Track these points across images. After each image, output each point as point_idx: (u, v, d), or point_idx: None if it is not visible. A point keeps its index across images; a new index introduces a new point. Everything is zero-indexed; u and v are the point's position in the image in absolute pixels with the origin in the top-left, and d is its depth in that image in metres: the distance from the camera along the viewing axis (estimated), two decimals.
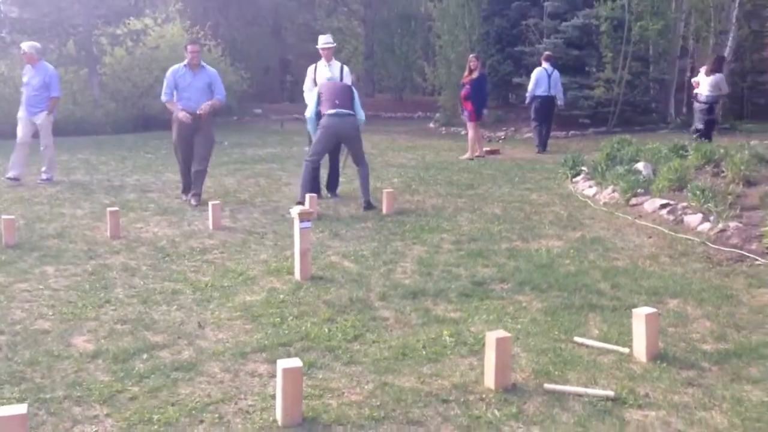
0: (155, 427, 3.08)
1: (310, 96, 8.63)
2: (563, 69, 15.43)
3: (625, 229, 6.90)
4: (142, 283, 5.20)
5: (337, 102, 7.94)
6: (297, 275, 5.30)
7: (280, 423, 3.12)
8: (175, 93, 8.31)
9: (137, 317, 4.46)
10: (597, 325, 4.34)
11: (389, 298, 4.86)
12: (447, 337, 4.13)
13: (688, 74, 20.87)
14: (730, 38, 18.76)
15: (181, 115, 8.12)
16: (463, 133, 13.35)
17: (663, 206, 7.25)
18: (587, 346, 4.00)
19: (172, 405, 3.29)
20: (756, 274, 5.33)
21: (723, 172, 7.81)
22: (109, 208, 6.76)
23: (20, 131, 9.70)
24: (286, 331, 4.22)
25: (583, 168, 9.90)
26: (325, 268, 5.61)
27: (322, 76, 8.66)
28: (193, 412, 3.23)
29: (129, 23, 19.42)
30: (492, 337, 3.45)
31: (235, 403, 3.32)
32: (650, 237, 6.56)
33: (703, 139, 11.55)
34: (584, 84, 17.29)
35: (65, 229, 6.87)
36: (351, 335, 4.17)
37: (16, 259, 5.80)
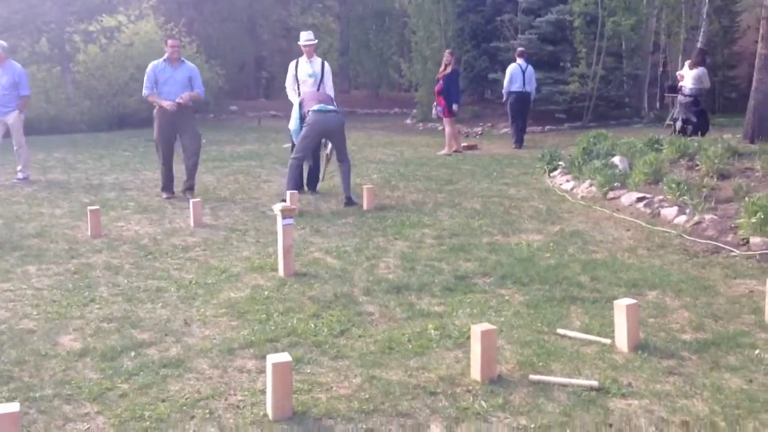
0: (147, 423, 3.10)
1: (292, 93, 8.69)
2: (538, 64, 15.58)
3: (603, 223, 7.00)
4: (125, 281, 5.19)
5: (320, 99, 8.04)
6: (281, 272, 5.33)
7: (270, 417, 3.15)
8: (155, 88, 8.36)
9: (123, 315, 4.46)
10: (579, 317, 4.42)
11: (373, 293, 4.90)
12: (432, 331, 4.18)
13: (660, 69, 21.18)
14: (701, 33, 19.06)
15: (166, 103, 8.19)
16: (440, 128, 13.45)
17: (639, 199, 7.37)
18: (570, 338, 4.07)
19: (163, 401, 3.30)
20: (731, 265, 5.45)
21: (697, 165, 7.96)
22: (89, 207, 6.72)
23: None
24: (273, 327, 4.24)
25: (560, 163, 10.02)
26: (308, 264, 5.64)
27: (303, 73, 8.70)
28: (184, 408, 3.25)
29: (102, 20, 19.18)
30: (477, 329, 3.51)
31: (225, 399, 3.35)
32: (628, 230, 6.67)
33: (697, 132, 11.75)
34: (559, 79, 17.47)
35: (45, 229, 6.83)
36: (337, 330, 4.21)
37: None
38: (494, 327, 3.56)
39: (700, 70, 12.47)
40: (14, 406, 2.74)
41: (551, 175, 9.78)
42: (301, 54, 8.98)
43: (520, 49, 14.58)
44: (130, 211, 7.71)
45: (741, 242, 5.79)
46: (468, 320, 4.31)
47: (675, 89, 17.48)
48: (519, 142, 14.04)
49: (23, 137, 9.80)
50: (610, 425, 3.09)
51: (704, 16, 18.94)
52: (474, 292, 4.93)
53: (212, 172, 10.59)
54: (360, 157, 12.24)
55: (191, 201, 7.09)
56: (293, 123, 8.33)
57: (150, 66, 8.46)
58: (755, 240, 5.67)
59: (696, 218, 6.42)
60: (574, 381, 3.49)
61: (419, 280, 5.18)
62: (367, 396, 3.36)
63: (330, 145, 8.57)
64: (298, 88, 8.69)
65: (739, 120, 12.39)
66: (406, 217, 7.33)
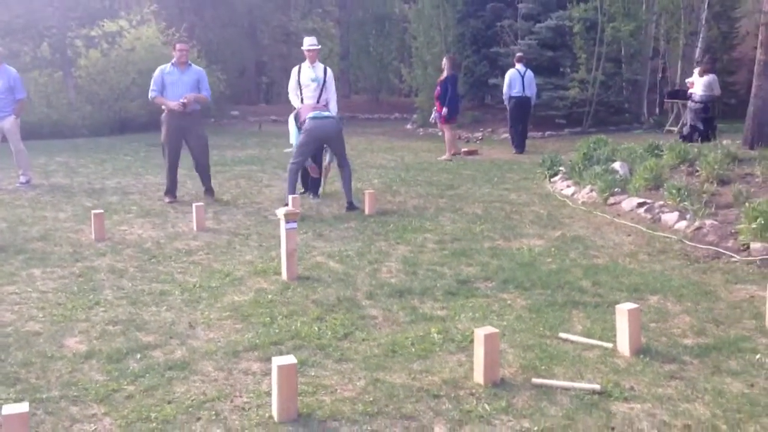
0: (153, 424, 3.13)
1: (295, 98, 8.76)
2: (538, 70, 15.61)
3: (604, 228, 7.04)
4: (130, 284, 5.23)
5: (315, 107, 8.15)
6: (284, 275, 5.36)
7: (276, 419, 3.18)
8: (163, 92, 8.51)
9: (128, 318, 4.49)
10: (580, 322, 4.45)
11: (376, 297, 4.93)
12: (435, 334, 4.21)
13: (660, 75, 21.23)
14: (700, 39, 19.12)
15: (172, 104, 8.31)
16: (440, 134, 13.48)
17: (640, 205, 7.40)
18: (572, 342, 4.10)
19: (169, 403, 3.33)
20: (732, 270, 5.49)
21: (697, 171, 8.00)
22: (93, 211, 6.75)
23: None
24: (277, 330, 4.27)
25: (560, 168, 10.05)
26: (311, 268, 5.67)
27: (306, 78, 8.74)
28: (190, 409, 3.28)
29: (104, 25, 19.24)
30: (480, 333, 3.54)
31: (231, 401, 3.38)
32: (629, 235, 6.70)
33: (701, 139, 11.83)
34: (559, 85, 17.50)
35: (49, 232, 6.86)
36: (341, 333, 4.24)
37: (1, 262, 5.78)
38: (497, 330, 3.59)
39: (710, 77, 12.58)
40: (23, 407, 2.78)
41: (552, 180, 9.81)
42: (301, 59, 9.03)
43: (518, 54, 14.61)
44: (133, 215, 7.74)
45: (741, 248, 5.83)
46: (470, 324, 4.34)
47: (675, 95, 17.60)
48: (520, 147, 14.06)
49: (20, 141, 9.78)
50: (613, 429, 3.12)
51: (703, 22, 19.01)
52: (476, 296, 4.97)
53: (214, 177, 10.53)
54: (361, 162, 12.27)
55: (194, 205, 7.12)
56: (294, 138, 8.38)
57: (158, 69, 8.60)
58: (755, 245, 5.71)
59: (696, 224, 6.46)
60: (576, 385, 3.52)
61: (422, 284, 5.21)
62: (371, 398, 3.39)
63: (328, 156, 8.64)
64: (301, 93, 8.74)
65: (738, 126, 12.44)
66: (407, 221, 7.37)
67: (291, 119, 8.44)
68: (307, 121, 7.89)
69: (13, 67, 10.08)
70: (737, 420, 3.19)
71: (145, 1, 23.05)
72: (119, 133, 17.93)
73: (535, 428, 3.11)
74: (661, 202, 7.30)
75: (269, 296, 4.93)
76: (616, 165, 9.08)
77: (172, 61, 8.60)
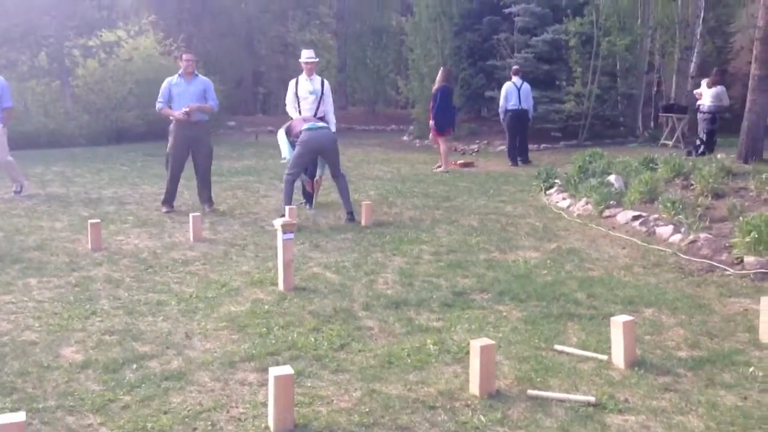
0: None
1: (293, 110, 8.79)
2: (534, 83, 15.68)
3: (599, 241, 7.07)
4: (126, 294, 5.23)
5: (308, 120, 8.22)
6: (280, 286, 5.37)
7: (272, 429, 3.19)
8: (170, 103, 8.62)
9: (124, 328, 4.50)
10: (576, 334, 4.47)
11: (372, 308, 4.95)
12: (431, 346, 4.23)
13: (655, 89, 21.32)
14: (695, 54, 19.21)
15: (177, 113, 8.40)
16: (435, 146, 13.53)
17: (635, 218, 7.44)
18: (567, 354, 4.12)
19: (165, 413, 3.34)
20: (726, 283, 5.52)
21: (692, 184, 8.05)
22: (90, 221, 6.76)
23: None
24: (273, 341, 4.29)
25: (556, 180, 10.09)
26: (307, 279, 5.68)
27: (304, 90, 8.78)
28: (186, 420, 3.28)
29: (102, 35, 19.28)
30: (476, 344, 3.56)
31: (227, 411, 3.39)
32: (624, 248, 6.73)
33: (704, 151, 11.91)
34: (555, 98, 17.58)
35: (45, 242, 6.86)
36: (337, 344, 4.25)
37: None
38: (493, 342, 3.61)
39: (719, 89, 12.71)
40: (20, 416, 2.78)
41: (547, 192, 9.85)
42: (298, 70, 9.08)
43: (515, 67, 14.68)
44: (130, 225, 7.75)
45: (735, 261, 5.86)
46: (466, 336, 4.36)
47: (670, 109, 17.69)
48: (516, 160, 14.09)
49: (8, 153, 9.54)
50: None
51: (698, 37, 19.11)
52: (472, 308, 4.98)
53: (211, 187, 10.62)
54: (357, 174, 12.30)
55: (191, 216, 7.13)
56: (286, 152, 8.39)
57: (165, 81, 8.68)
58: (749, 259, 5.74)
59: (691, 237, 6.49)
60: (571, 396, 3.53)
61: (417, 295, 5.23)
62: (367, 409, 3.40)
63: (319, 170, 8.66)
64: (299, 106, 8.78)
65: (733, 140, 12.51)
66: (404, 233, 7.39)
67: (281, 133, 8.46)
68: (302, 133, 7.93)
69: (11, 75, 10.06)
70: None
71: (144, 12, 23.15)
72: (116, 142, 17.94)
73: None
74: (656, 216, 7.34)
75: (266, 307, 4.95)
76: (612, 178, 9.12)
77: (179, 71, 8.68)
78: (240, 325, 4.57)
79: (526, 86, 14.13)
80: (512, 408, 3.43)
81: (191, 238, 7.01)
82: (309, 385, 3.68)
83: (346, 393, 3.59)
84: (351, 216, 8.00)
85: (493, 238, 7.21)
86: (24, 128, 16.56)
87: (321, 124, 8.17)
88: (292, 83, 8.97)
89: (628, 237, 7.06)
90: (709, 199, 7.53)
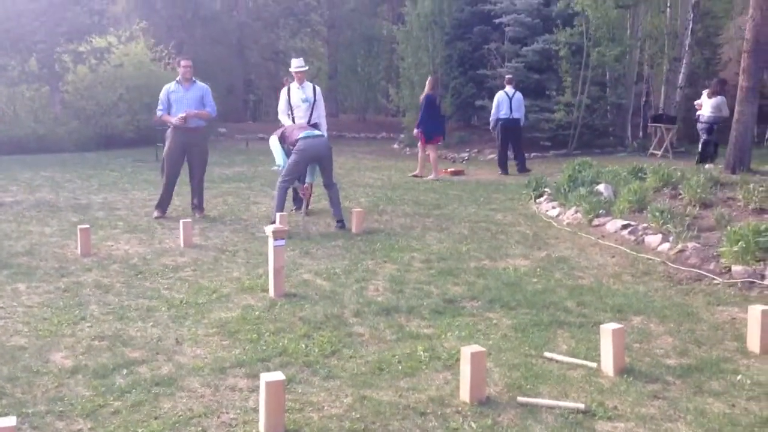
0: None
1: (285, 118, 8.85)
2: (524, 92, 15.73)
3: (589, 249, 7.11)
4: (116, 300, 5.22)
5: (303, 128, 8.23)
6: (271, 292, 5.37)
7: None
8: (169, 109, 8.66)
9: (114, 334, 4.49)
10: (565, 341, 4.49)
11: (363, 315, 4.96)
12: (421, 353, 4.24)
13: (644, 99, 21.46)
14: (684, 65, 19.37)
15: (174, 119, 8.44)
16: (426, 153, 13.60)
17: (624, 227, 7.48)
18: (557, 361, 4.14)
19: (155, 419, 3.34)
20: (714, 292, 5.56)
21: (680, 194, 8.11)
22: (79, 226, 6.73)
23: None
24: (264, 347, 4.29)
25: (546, 189, 10.14)
26: (298, 285, 5.68)
27: (296, 98, 8.86)
28: (177, 425, 3.28)
29: (92, 41, 19.26)
30: (467, 351, 3.57)
31: (218, 417, 3.38)
32: (613, 256, 6.77)
33: (703, 161, 12.02)
34: (545, 107, 17.67)
35: (34, 247, 6.83)
36: (328, 350, 4.26)
37: None
38: (484, 349, 3.63)
39: (719, 99, 12.83)
40: (11, 421, 2.77)
41: (537, 201, 9.90)
42: (290, 78, 9.13)
43: (508, 76, 14.75)
44: (120, 231, 7.73)
45: (723, 270, 5.90)
46: (457, 343, 4.37)
47: (658, 119, 17.82)
48: (506, 168, 14.14)
49: None
50: None
51: (686, 48, 19.26)
52: (462, 315, 5.00)
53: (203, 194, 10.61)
54: (348, 181, 12.32)
55: (181, 222, 7.12)
56: (280, 159, 8.38)
57: (164, 88, 8.72)
58: (737, 268, 5.79)
59: (679, 246, 6.54)
60: (561, 403, 3.55)
61: (408, 302, 5.24)
62: (358, 416, 3.41)
63: (308, 177, 8.67)
64: (292, 113, 8.85)
65: (720, 151, 12.64)
66: (394, 240, 7.40)
67: (274, 140, 8.47)
68: (299, 141, 7.94)
69: (0, 80, 10.04)
70: None
71: (134, 18, 23.12)
72: (105, 148, 17.89)
73: None
74: (645, 225, 7.39)
75: (256, 313, 4.95)
76: (601, 187, 9.18)
77: (177, 78, 8.73)
78: (230, 331, 4.56)
79: (518, 96, 14.18)
80: (502, 415, 3.45)
81: (182, 244, 7.00)
82: (300, 391, 3.68)
83: (337, 399, 3.59)
84: (341, 223, 8.01)
85: (483, 246, 7.23)
86: (13, 133, 16.52)
87: (317, 132, 8.21)
88: (284, 91, 9.05)
89: (617, 246, 7.10)
90: (698, 208, 7.58)
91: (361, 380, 3.82)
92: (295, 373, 3.90)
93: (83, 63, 18.83)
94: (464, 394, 3.60)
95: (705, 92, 13.60)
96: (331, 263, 6.43)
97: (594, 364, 4.05)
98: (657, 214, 7.32)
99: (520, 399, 3.60)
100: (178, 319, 4.81)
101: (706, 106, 13.16)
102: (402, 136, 21.27)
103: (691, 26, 19.18)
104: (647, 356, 4.24)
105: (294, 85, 8.97)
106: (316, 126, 8.69)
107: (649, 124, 19.04)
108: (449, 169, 14.30)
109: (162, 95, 8.66)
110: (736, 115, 9.84)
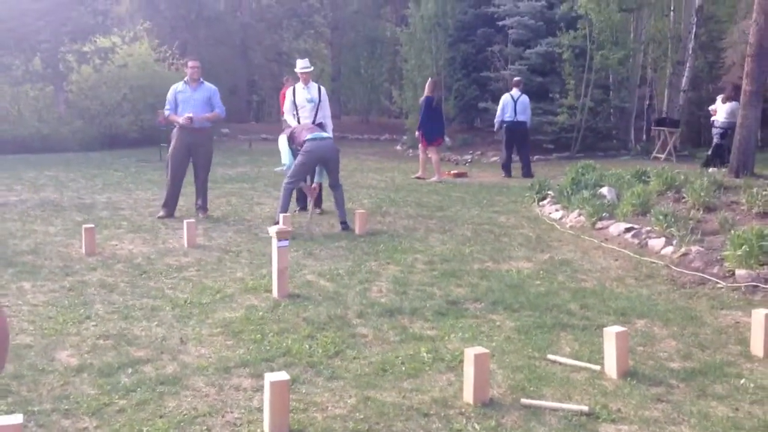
0: None
1: (291, 118, 8.88)
2: (527, 95, 15.74)
3: (592, 252, 7.11)
4: (121, 299, 5.23)
5: (311, 129, 8.24)
6: (275, 293, 5.38)
7: None
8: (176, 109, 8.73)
9: (119, 333, 4.50)
10: (569, 344, 4.50)
11: (366, 316, 4.97)
12: (425, 354, 4.25)
13: (647, 102, 21.47)
14: (687, 68, 19.39)
15: (182, 119, 8.49)
16: (429, 155, 13.62)
17: (628, 230, 7.48)
18: (560, 364, 4.15)
19: (160, 417, 3.35)
20: (718, 296, 5.56)
21: (684, 198, 8.11)
22: (84, 225, 6.76)
23: None
24: (268, 347, 4.30)
25: (549, 192, 10.15)
26: (301, 286, 5.70)
27: (301, 99, 8.92)
28: (182, 424, 3.29)
29: (96, 41, 19.31)
30: (470, 353, 3.58)
31: (222, 416, 3.39)
32: (616, 260, 6.78)
33: (713, 164, 12.04)
34: (548, 110, 17.68)
35: (39, 246, 6.85)
36: (331, 351, 4.27)
37: None
38: (487, 351, 3.64)
39: (733, 104, 12.85)
40: (17, 418, 2.78)
41: (540, 204, 9.90)
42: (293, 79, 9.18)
43: (516, 78, 14.70)
44: (124, 231, 7.75)
45: (727, 274, 5.90)
46: (460, 344, 4.38)
47: (662, 122, 17.82)
48: (509, 171, 14.13)
49: None
50: None
51: (690, 52, 19.29)
52: (465, 317, 5.01)
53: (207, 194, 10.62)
54: (351, 183, 12.33)
55: (185, 222, 7.14)
56: (287, 158, 8.41)
57: (171, 88, 8.80)
58: (740, 272, 5.79)
59: (683, 250, 6.54)
60: (564, 406, 3.56)
61: (411, 304, 5.25)
62: (361, 416, 3.42)
63: (315, 177, 8.68)
64: (297, 113, 8.88)
65: None
66: (397, 242, 7.41)
67: (283, 139, 8.50)
68: (306, 142, 7.95)
69: (4, 80, 10.07)
70: None
71: (138, 18, 23.17)
72: (109, 148, 17.93)
73: None
74: (648, 228, 7.39)
75: (260, 313, 4.96)
76: (604, 190, 9.18)
77: (185, 78, 8.78)
78: (234, 331, 4.58)
79: (523, 98, 14.13)
80: (506, 416, 3.46)
81: (185, 244, 7.02)
82: (304, 391, 3.70)
83: (341, 400, 3.60)
84: (345, 225, 8.03)
85: (486, 248, 7.24)
86: (17, 133, 16.57)
87: (325, 134, 8.25)
88: (289, 92, 9.09)
89: (620, 249, 7.11)
90: (701, 212, 7.59)
91: (364, 381, 3.83)
92: (298, 373, 3.91)
93: (87, 63, 18.89)
94: (468, 396, 3.61)
95: (719, 97, 13.62)
96: (334, 264, 6.44)
97: (597, 367, 4.05)
98: (660, 217, 7.32)
99: (524, 401, 3.61)
100: (183, 318, 4.83)
101: (721, 111, 13.21)
102: (405, 137, 21.28)
103: (694, 30, 19.20)
104: (651, 359, 4.24)
105: (300, 86, 9.02)
106: (321, 126, 8.72)
107: (652, 128, 19.04)
108: (452, 171, 14.31)
109: (169, 95, 8.71)
110: (740, 119, 9.85)
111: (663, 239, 6.95)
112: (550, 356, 4.25)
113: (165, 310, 4.99)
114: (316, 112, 8.89)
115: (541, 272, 6.27)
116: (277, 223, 7.58)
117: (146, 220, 8.36)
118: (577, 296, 5.52)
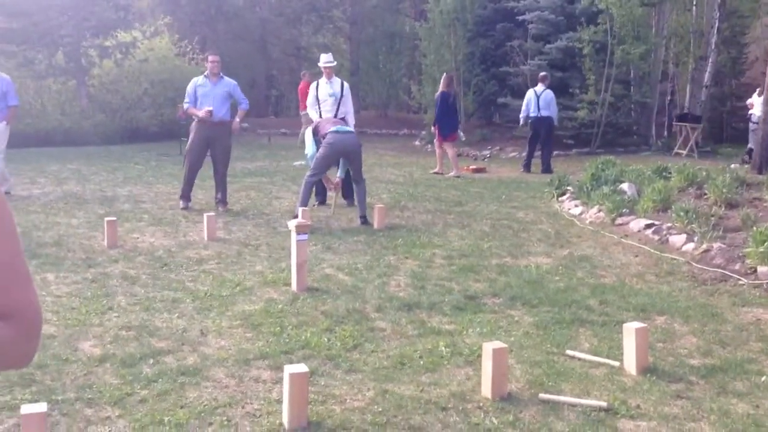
0: (167, 428, 3.19)
1: (313, 112, 8.99)
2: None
3: (612, 248, 7.08)
4: (142, 291, 5.29)
5: (335, 122, 8.31)
6: (293, 286, 5.42)
7: (286, 426, 3.23)
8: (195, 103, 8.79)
9: (141, 324, 4.56)
10: (587, 339, 4.49)
11: (385, 310, 4.98)
12: (443, 348, 4.26)
13: (669, 98, 21.29)
14: (710, 64, 19.18)
15: (201, 112, 8.54)
16: (445, 150, 13.59)
17: (648, 226, 7.44)
18: (579, 359, 4.14)
19: (181, 408, 3.39)
20: (739, 293, 5.52)
21: (705, 194, 8.05)
22: (106, 218, 6.84)
23: None
24: (287, 340, 4.33)
25: (568, 187, 10.10)
26: (320, 280, 5.72)
27: (324, 93, 9.05)
28: (202, 414, 3.33)
29: (118, 36, 19.47)
30: (489, 347, 3.59)
31: (242, 407, 3.43)
32: (636, 256, 6.74)
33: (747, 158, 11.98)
34: (568, 105, 17.56)
35: (62, 238, 6.94)
36: (350, 344, 4.29)
37: None
38: (505, 345, 3.64)
39: None
40: (41, 407, 2.83)
41: (560, 199, 9.86)
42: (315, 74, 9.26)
43: (541, 74, 14.57)
44: (145, 224, 7.82)
45: (748, 271, 5.86)
46: (478, 339, 4.38)
47: (683, 118, 17.67)
48: (528, 167, 14.07)
49: (2, 151, 9.31)
50: None
51: (713, 47, 19.07)
52: (484, 311, 5.01)
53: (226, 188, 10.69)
54: (370, 177, 12.29)
55: (205, 215, 7.19)
56: (309, 149, 8.45)
57: (191, 82, 8.86)
58: (762, 269, 5.74)
59: (704, 246, 6.49)
60: (583, 401, 3.56)
61: (430, 298, 5.26)
62: (380, 409, 3.44)
63: (339, 171, 8.70)
64: (319, 108, 8.97)
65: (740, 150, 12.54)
66: (416, 236, 7.42)
67: (309, 132, 8.55)
68: (328, 135, 7.99)
69: (28, 74, 10.15)
70: None
71: (159, 13, 23.32)
72: (130, 142, 18.08)
73: None
74: (669, 224, 7.34)
75: (279, 306, 4.99)
76: (624, 186, 9.13)
77: (205, 72, 8.85)
78: (254, 324, 4.61)
79: (547, 93, 14.00)
80: (524, 411, 3.46)
81: (205, 238, 7.07)
82: (322, 383, 3.72)
83: (360, 392, 3.62)
84: (364, 219, 8.05)
85: (505, 243, 7.23)
86: (41, 126, 16.75)
87: (348, 128, 8.32)
88: (313, 86, 9.25)
89: (640, 245, 7.07)
90: (723, 208, 7.53)
91: (383, 374, 3.85)
92: (317, 366, 3.94)
93: (109, 57, 19.04)
94: (486, 390, 3.61)
95: (757, 90, 13.51)
96: (353, 258, 6.46)
97: (617, 363, 4.04)
98: (682, 213, 7.27)
99: (542, 396, 3.61)
100: (203, 310, 4.87)
101: (758, 105, 13.09)
102: (423, 132, 21.26)
103: (717, 25, 18.98)
104: (671, 356, 4.22)
105: (323, 80, 9.16)
106: (343, 120, 8.78)
107: (674, 123, 18.88)
108: (471, 167, 14.28)
109: (189, 88, 8.78)
110: (763, 115, 9.76)
111: (684, 236, 6.90)
112: (569, 352, 4.24)
113: (186, 302, 5.04)
114: (338, 106, 8.98)
115: (560, 268, 6.26)
116: (296, 216, 7.62)
117: (167, 214, 8.43)
118: (597, 292, 5.51)
